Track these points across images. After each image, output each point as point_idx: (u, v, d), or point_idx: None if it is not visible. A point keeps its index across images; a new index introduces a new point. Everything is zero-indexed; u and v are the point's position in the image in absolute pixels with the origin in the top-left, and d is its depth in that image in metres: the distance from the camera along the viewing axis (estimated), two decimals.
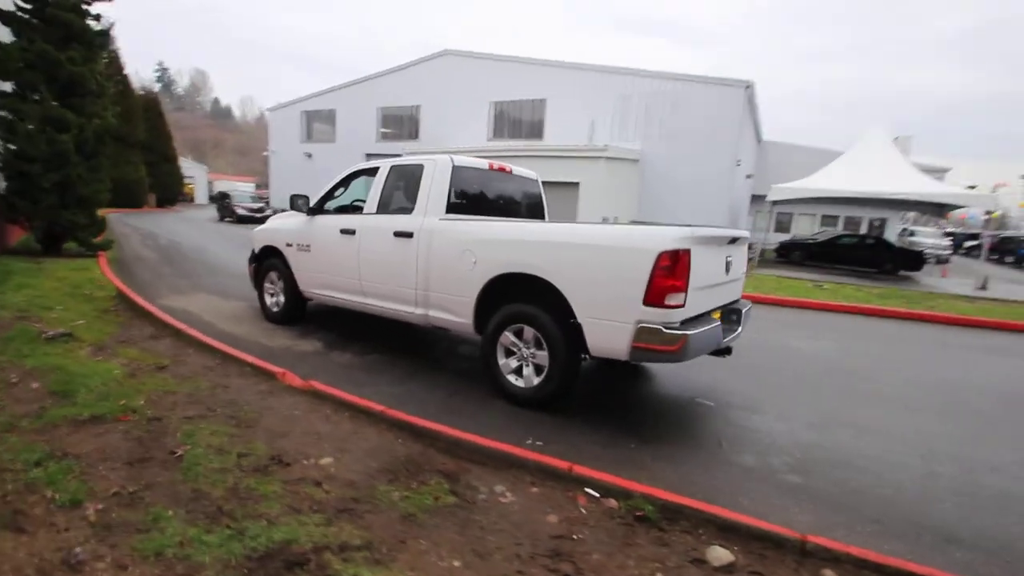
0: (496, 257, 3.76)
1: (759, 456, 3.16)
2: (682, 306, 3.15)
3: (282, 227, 5.68)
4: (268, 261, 5.84)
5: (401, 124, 24.08)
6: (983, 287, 13.92)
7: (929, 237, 26.93)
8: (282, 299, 5.73)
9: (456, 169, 4.41)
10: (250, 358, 4.11)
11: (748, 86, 17.29)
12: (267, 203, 25.78)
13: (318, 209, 5.30)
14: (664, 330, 3.10)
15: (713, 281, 3.57)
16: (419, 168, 4.53)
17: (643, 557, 2.10)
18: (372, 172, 5.04)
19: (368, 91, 24.11)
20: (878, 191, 17.00)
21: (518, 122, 21.26)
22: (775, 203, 17.47)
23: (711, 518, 2.29)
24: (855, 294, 10.80)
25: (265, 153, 29.65)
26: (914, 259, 16.90)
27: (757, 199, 25.40)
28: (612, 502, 2.44)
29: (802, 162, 21.95)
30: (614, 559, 2.08)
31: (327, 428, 3.10)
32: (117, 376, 3.63)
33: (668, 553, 2.13)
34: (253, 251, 6.12)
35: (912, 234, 27.47)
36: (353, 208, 5.55)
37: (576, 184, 15.98)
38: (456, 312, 4.09)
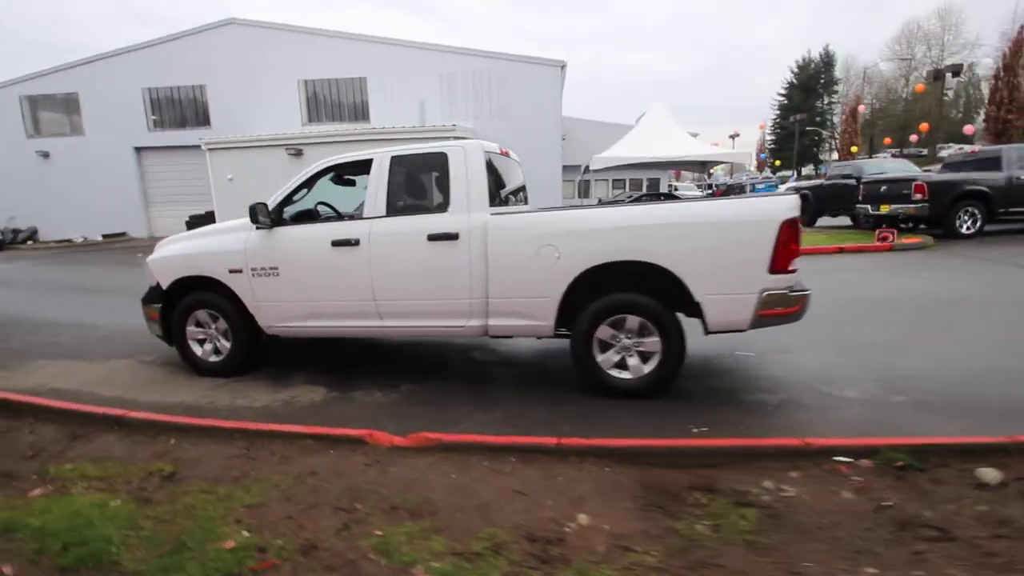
0: (589, 248, 3.44)
1: (853, 387, 3.60)
2: (797, 270, 3.36)
3: (212, 248, 4.24)
4: (192, 297, 4.32)
5: (180, 108, 19.64)
6: None
7: (688, 190, 33.27)
8: (226, 343, 4.33)
9: (487, 155, 3.85)
10: (300, 428, 3.05)
11: (563, 66, 18.64)
12: None
13: (278, 219, 4.09)
14: (790, 293, 3.28)
15: None
16: (439, 157, 3.83)
17: (948, 499, 2.26)
18: (358, 167, 4.09)
19: (127, 68, 18.92)
20: (670, 155, 20.32)
21: (337, 103, 19.27)
22: (592, 171, 19.59)
23: (949, 447, 2.57)
24: None
25: None
26: None
27: (564, 169, 28.10)
28: (866, 462, 2.54)
29: (592, 135, 24.76)
30: (938, 510, 2.18)
31: (517, 483, 2.51)
32: (127, 509, 2.33)
33: (953, 489, 2.33)
34: (153, 287, 4.45)
35: (676, 189, 33.55)
36: (312, 214, 4.44)
37: None
38: (532, 315, 3.65)
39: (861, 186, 12.76)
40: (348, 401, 3.78)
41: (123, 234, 19.36)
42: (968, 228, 10.61)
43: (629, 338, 3.55)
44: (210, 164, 16.15)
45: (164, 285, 4.36)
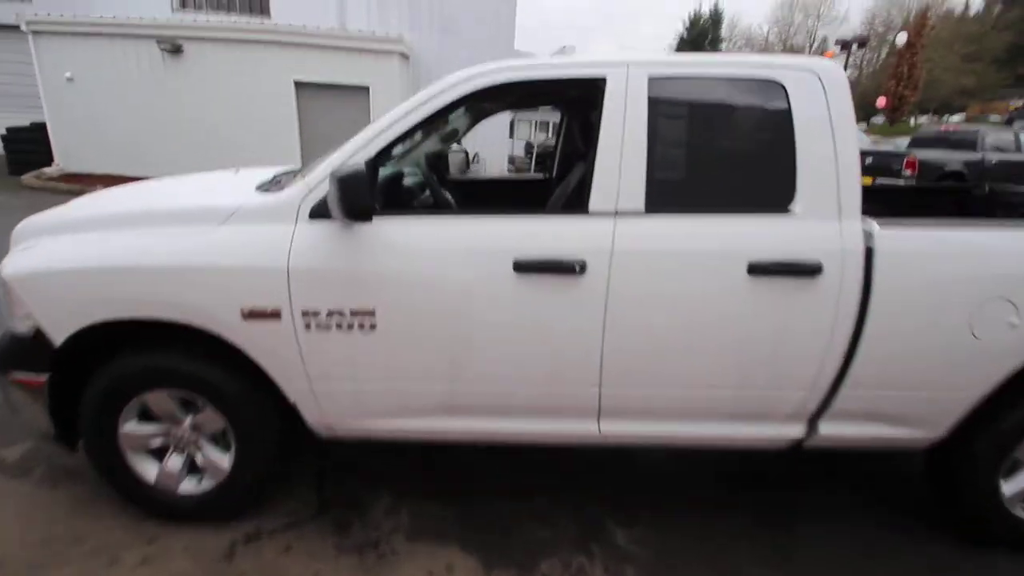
0: None
1: None
2: None
3: (199, 257, 1.79)
4: (134, 362, 1.88)
5: None
6: None
7: None
8: (222, 458, 2.01)
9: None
10: None
11: None
12: None
13: (372, 201, 1.74)
14: None
15: None
16: (765, 89, 1.79)
17: None
18: (560, 91, 1.90)
19: None
20: None
21: None
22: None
23: None
24: None
25: None
26: None
27: None
28: None
29: None
30: None
31: None
32: None
33: None
34: (21, 337, 1.88)
35: None
36: (408, 192, 2.15)
37: (366, 89, 12.17)
38: (916, 420, 1.94)
39: None
40: None
41: None
42: None
43: None
44: (36, 55, 11.16)
45: (59, 338, 1.83)
